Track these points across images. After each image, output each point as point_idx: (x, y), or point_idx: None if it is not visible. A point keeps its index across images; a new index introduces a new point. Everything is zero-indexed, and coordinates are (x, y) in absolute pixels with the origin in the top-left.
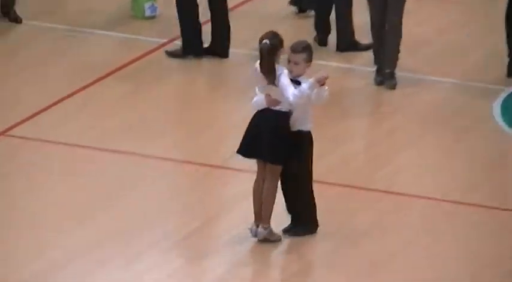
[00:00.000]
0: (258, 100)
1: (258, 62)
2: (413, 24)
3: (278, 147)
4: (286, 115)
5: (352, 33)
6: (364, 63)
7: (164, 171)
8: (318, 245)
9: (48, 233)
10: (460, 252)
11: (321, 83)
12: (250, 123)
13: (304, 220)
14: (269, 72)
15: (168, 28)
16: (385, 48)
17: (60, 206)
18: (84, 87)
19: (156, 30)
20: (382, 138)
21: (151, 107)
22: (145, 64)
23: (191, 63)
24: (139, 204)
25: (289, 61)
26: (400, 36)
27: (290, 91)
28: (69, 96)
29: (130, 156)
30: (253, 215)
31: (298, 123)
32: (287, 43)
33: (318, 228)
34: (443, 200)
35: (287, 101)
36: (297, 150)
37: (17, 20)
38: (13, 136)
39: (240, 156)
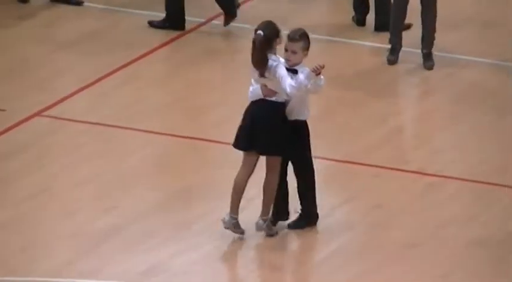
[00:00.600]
0: (254, 90)
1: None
2: (449, 4)
3: (275, 138)
4: (282, 105)
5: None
6: (402, 43)
7: (198, 151)
8: (353, 225)
9: (81, 213)
10: (494, 234)
11: (317, 72)
12: (245, 114)
13: (306, 211)
14: (259, 64)
15: (205, 8)
16: (422, 29)
17: (93, 185)
18: (121, 68)
19: (193, 10)
20: (418, 118)
21: (188, 87)
22: (182, 44)
23: (230, 43)
24: (173, 184)
25: (286, 50)
26: (436, 16)
27: (287, 82)
28: (105, 76)
29: (165, 136)
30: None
31: (295, 113)
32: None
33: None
34: (479, 182)
35: (284, 92)
36: (296, 140)
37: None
38: (48, 116)
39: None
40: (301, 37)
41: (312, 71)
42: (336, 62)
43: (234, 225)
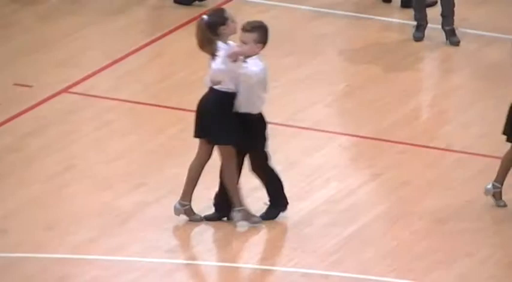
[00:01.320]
0: (205, 78)
1: None
2: None
3: (221, 128)
4: (228, 95)
5: None
6: (428, 19)
7: None
8: (380, 202)
9: (109, 190)
10: None
11: (232, 58)
12: (198, 103)
13: (274, 201)
14: (202, 46)
15: None
16: (442, 6)
17: (121, 162)
18: (148, 44)
19: None
20: (444, 95)
21: None
22: None
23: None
24: None
25: (240, 40)
26: None
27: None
28: (132, 52)
29: (192, 113)
30: None
31: (244, 106)
32: None
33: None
34: None
35: (229, 80)
36: (248, 133)
37: None
38: (75, 93)
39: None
40: (253, 29)
41: (228, 56)
42: (362, 39)
43: (186, 212)
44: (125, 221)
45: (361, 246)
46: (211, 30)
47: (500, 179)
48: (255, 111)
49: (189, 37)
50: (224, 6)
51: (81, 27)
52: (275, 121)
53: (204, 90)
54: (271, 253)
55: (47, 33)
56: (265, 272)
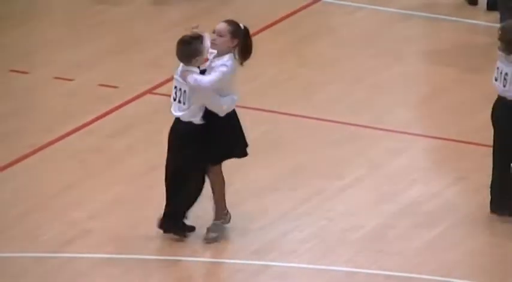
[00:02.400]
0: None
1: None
2: None
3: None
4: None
5: None
6: None
7: (310, 129)
8: (464, 204)
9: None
10: None
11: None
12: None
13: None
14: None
15: None
16: None
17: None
18: None
19: None
20: None
21: (302, 64)
22: (297, 21)
23: (346, 20)
24: (284, 163)
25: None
26: None
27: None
28: None
29: (277, 114)
30: None
31: (188, 115)
32: None
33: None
34: None
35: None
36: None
37: None
38: (159, 94)
39: None
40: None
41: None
42: (448, 41)
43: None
44: (209, 221)
45: (444, 249)
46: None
47: None
48: (198, 121)
49: (275, 38)
50: (310, 8)
51: (167, 29)
52: (360, 123)
53: (288, 91)
54: (355, 255)
55: (132, 35)
56: (349, 274)
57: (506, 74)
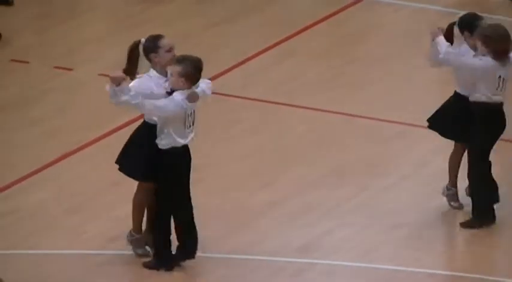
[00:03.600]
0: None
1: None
2: None
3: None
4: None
5: None
6: None
7: (355, 127)
8: (510, 203)
9: (238, 188)
10: None
11: (113, 82)
12: None
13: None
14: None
15: None
16: None
17: (251, 161)
18: (279, 43)
19: None
20: None
21: (347, 62)
22: (342, 19)
23: (391, 18)
24: (329, 161)
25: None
26: None
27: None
28: (263, 51)
29: (323, 113)
30: None
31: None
32: None
33: None
34: None
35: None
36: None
37: None
38: None
39: None
40: (179, 61)
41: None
42: None
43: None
44: (253, 219)
45: (488, 248)
46: (144, 54)
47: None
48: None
49: (321, 36)
50: (356, 6)
51: (211, 26)
52: (406, 122)
53: (334, 89)
54: (398, 253)
55: (177, 32)
56: (393, 272)
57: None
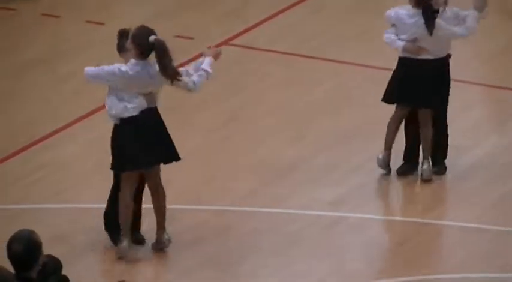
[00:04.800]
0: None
1: (121, 66)
2: None
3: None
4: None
5: None
6: None
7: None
8: None
9: (267, 143)
10: None
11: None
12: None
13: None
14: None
15: None
16: None
17: (280, 115)
18: None
19: None
20: None
21: (375, 17)
22: None
23: None
24: (357, 117)
25: None
26: None
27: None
28: (292, 5)
29: (352, 66)
30: None
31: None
32: None
33: None
34: None
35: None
36: None
37: None
38: (236, 45)
39: None
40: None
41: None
42: None
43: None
44: (283, 174)
45: None
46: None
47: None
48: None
49: None
50: None
51: None
52: None
53: (361, 45)
54: (429, 207)
55: None
56: (424, 225)
57: None
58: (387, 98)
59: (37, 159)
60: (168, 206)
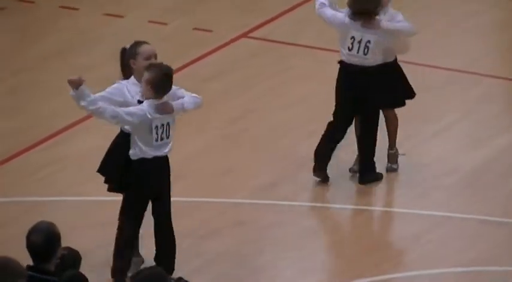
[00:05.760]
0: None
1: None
2: None
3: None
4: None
5: None
6: None
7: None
8: None
9: (286, 136)
10: None
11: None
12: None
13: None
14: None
15: None
16: None
17: (299, 108)
18: None
19: None
20: None
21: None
22: None
23: None
24: None
25: None
26: None
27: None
28: None
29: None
30: None
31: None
32: None
33: None
34: None
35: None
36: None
37: None
38: (254, 38)
39: None
40: (147, 68)
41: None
42: None
43: None
44: (302, 166)
45: None
46: (125, 60)
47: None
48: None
49: None
50: None
51: None
52: (454, 68)
53: None
54: (448, 199)
55: None
56: (442, 219)
57: (368, 41)
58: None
59: (55, 151)
60: (185, 199)
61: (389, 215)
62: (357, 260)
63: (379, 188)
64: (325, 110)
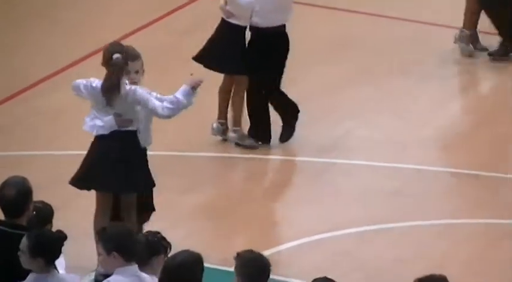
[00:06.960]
0: (106, 123)
1: (93, 79)
2: None
3: (136, 174)
4: (135, 134)
5: None
6: None
7: (378, 27)
8: None
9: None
10: None
11: (196, 87)
12: (94, 151)
13: None
14: (112, 91)
15: None
16: None
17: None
18: None
19: None
20: None
21: None
22: None
23: None
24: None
25: (128, 72)
26: None
27: (159, 105)
28: None
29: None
30: None
31: (143, 141)
32: None
33: None
34: None
35: (160, 116)
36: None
37: None
38: None
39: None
40: (138, 54)
41: (193, 87)
42: None
43: None
44: (273, 119)
45: (508, 146)
46: (123, 69)
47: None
48: (147, 144)
49: None
50: None
51: None
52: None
53: None
54: (421, 153)
55: None
56: (416, 171)
57: None
58: None
59: (27, 106)
60: (162, 153)
61: (355, 168)
62: (336, 213)
63: (348, 140)
64: (300, 62)
